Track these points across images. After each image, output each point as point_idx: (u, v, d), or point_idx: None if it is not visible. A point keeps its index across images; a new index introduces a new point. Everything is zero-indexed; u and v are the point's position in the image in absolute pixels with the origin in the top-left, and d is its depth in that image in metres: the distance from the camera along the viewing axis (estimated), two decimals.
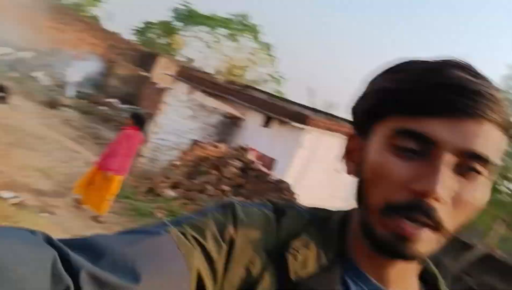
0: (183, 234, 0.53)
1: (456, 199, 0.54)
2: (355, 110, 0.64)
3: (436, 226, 0.54)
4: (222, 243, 0.55)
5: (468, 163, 0.53)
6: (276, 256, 0.58)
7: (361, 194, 0.60)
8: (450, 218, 0.54)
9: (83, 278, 0.42)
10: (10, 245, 0.39)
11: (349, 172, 0.64)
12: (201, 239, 0.54)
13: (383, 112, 0.57)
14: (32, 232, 0.43)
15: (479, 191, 0.55)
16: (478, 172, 0.54)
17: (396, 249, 0.55)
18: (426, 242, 0.54)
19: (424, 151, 0.54)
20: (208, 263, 0.53)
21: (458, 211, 0.55)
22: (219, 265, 0.54)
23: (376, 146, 0.58)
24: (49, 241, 0.43)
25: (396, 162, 0.55)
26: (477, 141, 0.52)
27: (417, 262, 0.63)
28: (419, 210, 0.53)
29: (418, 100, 0.54)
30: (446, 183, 0.52)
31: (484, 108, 0.52)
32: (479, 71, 0.55)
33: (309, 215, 0.64)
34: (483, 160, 0.53)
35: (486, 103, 0.53)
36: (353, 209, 0.65)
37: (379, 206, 0.56)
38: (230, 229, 0.57)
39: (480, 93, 0.52)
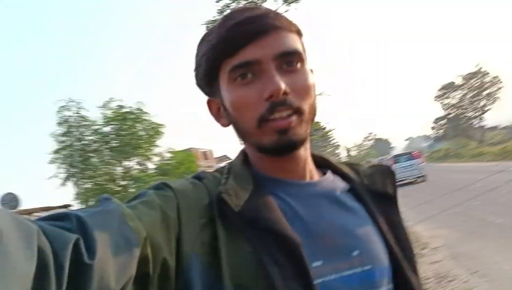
0: (134, 209, 0.58)
1: (294, 87, 0.68)
2: (199, 82, 0.77)
3: (297, 110, 0.68)
4: (168, 212, 0.61)
5: (286, 60, 0.68)
6: (213, 205, 0.65)
7: (240, 131, 0.72)
8: (300, 101, 0.68)
9: (70, 250, 0.45)
10: None
11: (224, 125, 0.76)
12: (152, 211, 0.59)
13: (216, 66, 0.70)
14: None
15: (303, 74, 0.70)
16: (296, 61, 0.69)
17: (284, 142, 0.68)
18: (299, 126, 0.69)
19: (256, 72, 0.67)
20: (164, 230, 0.58)
21: (301, 95, 0.69)
22: (173, 230, 0.60)
23: (226, 91, 0.70)
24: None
25: (243, 90, 0.68)
26: (281, 44, 0.68)
27: (306, 151, 0.76)
28: (278, 105, 0.66)
29: (229, 42, 0.67)
30: (281, 79, 0.66)
31: (273, 22, 0.68)
32: (258, 5, 0.69)
33: (218, 172, 0.75)
34: (293, 53, 0.69)
35: (273, 18, 0.69)
36: (245, 147, 0.78)
37: (253, 125, 0.69)
38: (173, 199, 0.63)
39: (264, 15, 0.69)
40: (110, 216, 0.54)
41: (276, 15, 0.70)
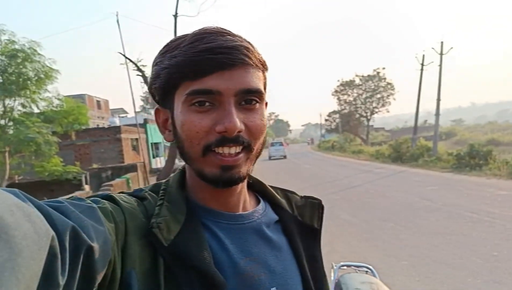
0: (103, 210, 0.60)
1: (248, 126, 0.68)
2: (153, 90, 0.74)
3: (247, 147, 0.68)
4: (119, 224, 0.61)
5: (246, 97, 0.68)
6: (148, 233, 0.65)
7: (184, 153, 0.71)
8: (252, 140, 0.69)
9: (68, 235, 0.47)
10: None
11: (168, 140, 0.75)
12: (107, 219, 0.59)
13: (175, 83, 0.68)
14: (10, 191, 0.45)
15: (260, 114, 0.70)
16: (256, 101, 0.69)
17: (226, 178, 0.68)
18: (244, 163, 0.69)
19: (214, 101, 0.66)
20: (116, 239, 0.59)
21: (253, 134, 0.69)
22: (120, 242, 0.60)
23: (179, 110, 0.69)
24: (25, 196, 0.46)
25: (197, 116, 0.67)
26: (246, 81, 0.67)
27: (243, 183, 0.76)
28: (228, 142, 0.66)
29: (195, 66, 0.65)
30: (238, 117, 0.66)
31: (242, 57, 0.67)
32: (232, 32, 0.70)
33: (155, 192, 0.74)
34: (255, 92, 0.68)
35: (242, 53, 0.67)
36: (184, 167, 0.78)
37: (198, 153, 0.68)
38: (121, 213, 0.63)
39: (236, 47, 0.66)
40: (94, 215, 0.56)
41: (248, 49, 0.68)
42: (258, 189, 0.85)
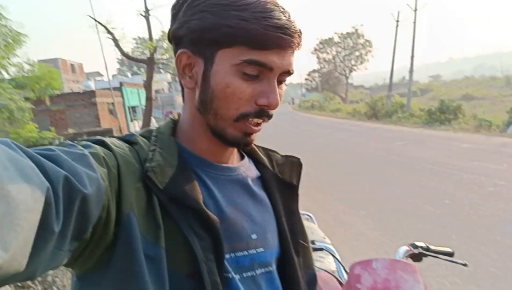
0: (94, 156, 0.60)
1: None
2: (191, 33, 0.71)
3: (267, 120, 0.74)
4: (112, 168, 0.62)
5: (284, 77, 0.73)
6: (142, 177, 0.67)
7: (212, 107, 0.72)
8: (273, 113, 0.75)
9: (62, 184, 0.47)
10: None
11: (188, 87, 0.75)
12: (100, 164, 0.60)
13: (230, 43, 0.68)
14: (3, 141, 0.45)
15: (282, 93, 0.75)
16: (283, 81, 0.75)
17: (241, 142, 0.75)
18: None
19: (262, 74, 0.70)
20: (109, 184, 0.60)
21: (275, 109, 0.74)
22: (114, 186, 0.61)
23: (225, 70, 0.70)
24: (18, 147, 0.47)
25: (244, 84, 0.70)
26: (290, 63, 0.72)
27: None
28: (264, 115, 0.73)
29: (265, 39, 0.67)
30: (278, 94, 0.72)
31: (298, 41, 0.72)
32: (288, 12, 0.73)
33: (146, 137, 0.76)
34: (290, 74, 0.74)
35: (300, 38, 0.72)
36: (177, 119, 0.81)
37: (232, 117, 0.72)
38: (113, 158, 0.64)
39: (297, 32, 0.71)
40: (87, 162, 0.56)
41: (300, 36, 0.73)
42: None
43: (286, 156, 0.93)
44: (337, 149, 12.43)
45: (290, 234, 0.85)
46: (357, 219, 5.61)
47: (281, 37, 0.68)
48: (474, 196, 6.08)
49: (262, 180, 0.86)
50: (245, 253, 0.76)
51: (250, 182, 0.82)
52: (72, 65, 38.07)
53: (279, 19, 0.68)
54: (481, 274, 3.68)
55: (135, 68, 64.46)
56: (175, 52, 0.75)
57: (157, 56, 12.32)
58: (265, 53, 0.68)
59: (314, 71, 59.53)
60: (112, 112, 24.31)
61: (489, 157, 8.75)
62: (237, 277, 0.73)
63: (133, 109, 30.28)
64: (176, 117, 0.82)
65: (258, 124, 0.73)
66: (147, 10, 11.98)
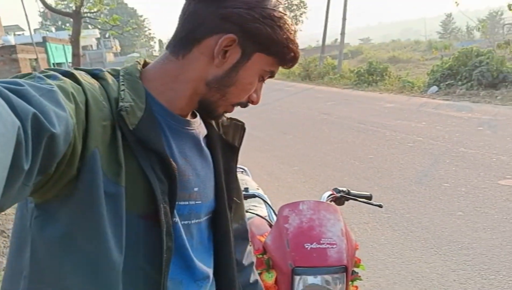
0: (62, 90, 0.59)
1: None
2: (255, 30, 0.76)
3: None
4: (80, 104, 0.61)
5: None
6: (112, 112, 0.69)
7: (223, 87, 0.80)
8: None
9: (30, 122, 0.46)
10: None
11: (217, 65, 0.78)
12: (67, 98, 0.59)
13: (270, 52, 0.79)
14: None
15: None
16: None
17: (219, 118, 0.90)
18: None
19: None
20: (76, 119, 0.59)
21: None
22: (81, 121, 0.61)
23: (251, 70, 0.80)
24: None
25: (255, 86, 0.83)
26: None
27: None
28: (246, 106, 0.86)
29: (290, 59, 0.82)
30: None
31: None
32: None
33: (114, 76, 0.76)
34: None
35: None
36: (145, 63, 0.84)
37: (235, 102, 0.84)
38: (82, 93, 0.63)
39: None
40: (55, 99, 0.55)
41: None
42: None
43: (231, 118, 0.97)
44: (272, 108, 12.68)
45: (226, 191, 0.92)
46: (290, 174, 5.91)
47: (297, 58, 0.82)
48: (395, 151, 6.59)
49: (208, 138, 0.91)
50: (186, 203, 0.81)
51: (200, 138, 0.87)
52: None
53: (294, 31, 0.80)
54: (398, 220, 4.11)
55: (59, 23, 60.14)
56: (216, 27, 0.76)
57: (84, 9, 11.61)
58: (278, 65, 0.82)
59: None
60: (36, 69, 22.75)
61: (410, 116, 9.41)
62: (180, 223, 0.80)
63: (59, 66, 28.49)
64: (142, 61, 0.83)
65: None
66: None
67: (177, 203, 0.76)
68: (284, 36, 0.78)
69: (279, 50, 0.79)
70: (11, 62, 20.19)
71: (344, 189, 1.96)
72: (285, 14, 0.78)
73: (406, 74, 17.45)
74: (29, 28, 16.49)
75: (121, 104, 0.69)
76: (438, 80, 13.34)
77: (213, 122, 0.93)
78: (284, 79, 26.83)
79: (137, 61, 0.82)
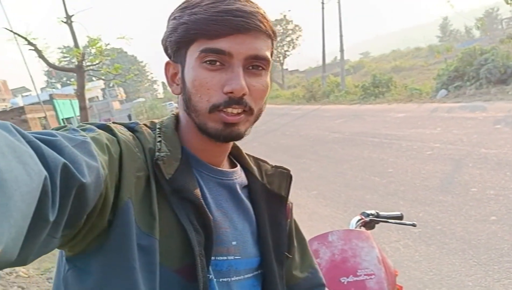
0: (95, 141, 0.60)
1: (252, 90, 0.72)
2: (167, 43, 0.76)
3: (248, 110, 0.73)
4: (114, 154, 0.63)
5: (253, 63, 0.72)
6: (147, 163, 0.70)
7: (190, 106, 0.74)
8: (253, 103, 0.73)
9: (60, 173, 0.46)
10: None
11: (176, 93, 0.79)
12: (101, 150, 0.60)
13: (190, 39, 0.71)
14: (2, 125, 0.44)
15: (264, 80, 0.74)
16: (262, 68, 0.73)
17: (227, 134, 0.73)
18: (244, 124, 0.74)
19: (224, 62, 0.70)
20: (109, 170, 0.60)
21: (256, 98, 0.73)
22: (114, 172, 0.62)
23: (191, 66, 0.72)
24: (18, 131, 0.45)
25: (208, 74, 0.71)
26: (256, 47, 0.71)
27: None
28: (234, 103, 0.71)
29: (213, 26, 0.69)
30: (244, 80, 0.70)
31: (258, 23, 0.70)
32: None
33: (150, 128, 0.78)
34: (262, 59, 0.72)
35: (258, 19, 0.71)
36: (178, 115, 0.82)
37: (206, 109, 0.72)
38: (116, 144, 0.65)
39: (254, 13, 0.70)
40: (88, 150, 0.55)
41: (264, 17, 0.72)
42: (234, 153, 0.89)
43: (276, 166, 0.93)
44: (281, 133, 12.61)
45: (274, 246, 0.84)
46: (309, 199, 5.74)
47: (231, 20, 0.68)
48: (414, 162, 6.41)
49: (250, 189, 0.86)
50: (224, 258, 0.76)
51: (238, 189, 0.83)
52: None
53: (228, 5, 0.69)
54: (430, 233, 3.91)
55: (64, 79, 61.62)
56: None
57: (86, 63, 11.82)
58: (221, 40, 0.69)
59: None
60: (46, 127, 23.14)
61: (424, 123, 9.25)
62: (214, 280, 0.74)
63: (68, 120, 29.00)
64: (176, 113, 0.83)
65: (233, 114, 0.72)
66: (68, 17, 11.41)
67: (214, 258, 0.74)
68: (187, 11, 0.72)
69: (188, 28, 0.71)
70: (21, 123, 20.57)
71: (373, 212, 1.83)
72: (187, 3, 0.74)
73: (412, 82, 17.35)
74: (35, 88, 16.87)
75: (157, 154, 0.70)
76: (445, 84, 13.20)
77: (256, 172, 0.88)
78: (289, 103, 26.94)
79: (173, 113, 0.82)
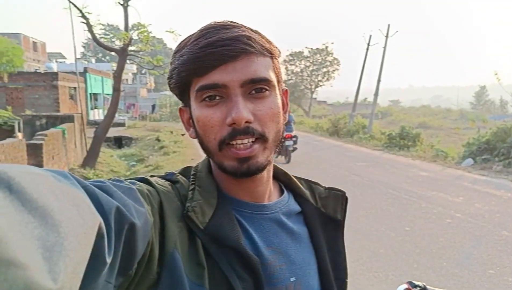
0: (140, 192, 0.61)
1: (259, 115, 0.69)
2: (172, 89, 0.76)
3: (259, 138, 0.69)
4: (155, 205, 0.63)
5: (254, 87, 0.69)
6: (184, 217, 0.67)
7: (204, 146, 0.73)
8: (264, 129, 0.69)
9: (114, 214, 0.48)
10: (45, 181, 0.40)
11: (192, 137, 0.77)
12: (144, 201, 0.60)
13: (186, 82, 0.70)
14: (59, 172, 0.45)
15: (270, 101, 0.70)
16: (265, 89, 0.70)
17: (245, 170, 0.69)
18: (261, 153, 0.70)
19: (223, 94, 0.68)
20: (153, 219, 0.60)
21: (266, 122, 0.70)
22: (157, 223, 0.62)
23: (194, 107, 0.71)
24: (73, 177, 0.46)
25: (209, 111, 0.69)
26: (250, 71, 0.68)
27: (269, 172, 0.78)
28: (239, 133, 0.67)
29: (199, 63, 0.67)
30: (245, 107, 0.67)
31: (243, 46, 0.67)
32: (235, 23, 0.71)
33: (185, 176, 0.76)
34: (261, 81, 0.69)
35: (243, 42, 0.67)
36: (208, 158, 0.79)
37: (215, 147, 0.70)
38: (156, 195, 0.65)
39: (237, 38, 0.67)
40: (135, 196, 0.57)
41: (250, 38, 0.69)
42: (282, 179, 0.85)
43: (329, 188, 0.88)
44: (300, 162, 12.55)
45: (334, 274, 0.80)
46: None
47: (214, 52, 0.66)
48: (433, 226, 6.29)
49: (304, 215, 0.82)
50: None
51: (285, 219, 0.78)
52: (34, 43, 36.42)
53: (210, 37, 0.67)
54: None
55: (100, 55, 62.69)
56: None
57: (130, 48, 12.02)
58: (211, 74, 0.67)
59: None
60: (72, 97, 23.48)
61: (446, 188, 9.10)
62: None
63: (95, 96, 29.40)
64: None
65: (245, 146, 0.69)
66: (126, 0, 11.65)
67: None
68: (177, 55, 0.72)
69: (180, 72, 0.71)
70: (51, 88, 20.90)
71: (421, 284, 1.78)
72: (185, 43, 0.72)
73: (438, 142, 17.15)
74: (75, 59, 17.10)
75: (187, 204, 0.68)
76: (473, 153, 13.03)
77: (309, 196, 0.84)
78: (311, 132, 26.89)
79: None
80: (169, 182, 0.72)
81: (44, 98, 20.66)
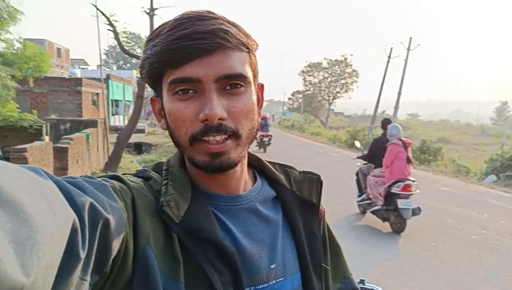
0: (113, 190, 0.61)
1: (233, 111, 0.67)
2: (143, 78, 0.73)
3: (233, 134, 0.68)
4: (128, 202, 0.62)
5: (229, 82, 0.67)
6: (158, 211, 0.66)
7: (174, 140, 0.71)
8: (238, 125, 0.68)
9: (87, 210, 0.48)
10: (17, 177, 0.39)
11: (163, 128, 0.74)
12: (116, 196, 0.60)
13: (158, 73, 0.68)
14: (30, 167, 0.44)
15: (245, 98, 0.69)
16: (240, 85, 0.68)
17: (216, 165, 0.68)
18: (234, 149, 0.69)
19: (197, 88, 0.66)
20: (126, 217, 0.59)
21: (239, 119, 0.68)
22: (130, 219, 0.61)
23: (166, 100, 0.69)
24: (45, 173, 0.46)
25: (181, 104, 0.67)
26: (225, 66, 0.65)
27: (242, 166, 0.76)
28: (212, 130, 0.66)
29: (172, 55, 0.64)
30: (219, 104, 0.65)
31: (219, 41, 0.64)
32: (212, 14, 0.68)
33: (158, 172, 0.74)
34: (236, 76, 0.67)
35: (220, 37, 0.65)
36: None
37: (186, 142, 0.68)
38: (128, 192, 0.64)
39: (213, 31, 0.64)
40: (108, 192, 0.57)
41: (227, 32, 0.66)
42: (255, 165, 0.84)
43: (304, 172, 0.88)
44: (319, 172, 12.48)
45: (311, 257, 0.79)
46: (347, 245, 5.61)
47: (189, 45, 0.63)
48: (458, 242, 6.19)
49: (280, 199, 0.81)
50: (266, 285, 0.73)
51: (260, 207, 0.77)
52: (58, 49, 37.25)
53: (185, 29, 0.65)
54: None
55: (121, 62, 63.69)
56: None
57: None
58: (185, 68, 0.65)
59: (298, 92, 59.99)
60: (95, 103, 23.87)
61: (471, 204, 8.95)
62: None
63: (116, 103, 29.84)
64: None
65: (217, 142, 0.67)
66: (152, 9, 11.87)
67: (253, 288, 0.71)
68: (150, 44, 0.68)
69: (152, 62, 0.67)
70: (75, 94, 21.29)
71: None
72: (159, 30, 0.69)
73: (458, 157, 16.90)
74: (100, 66, 17.51)
75: (161, 199, 0.67)
76: (497, 169, 12.80)
77: (284, 180, 0.83)
78: (329, 143, 26.77)
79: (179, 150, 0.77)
80: (141, 179, 0.71)
81: (68, 103, 21.05)
